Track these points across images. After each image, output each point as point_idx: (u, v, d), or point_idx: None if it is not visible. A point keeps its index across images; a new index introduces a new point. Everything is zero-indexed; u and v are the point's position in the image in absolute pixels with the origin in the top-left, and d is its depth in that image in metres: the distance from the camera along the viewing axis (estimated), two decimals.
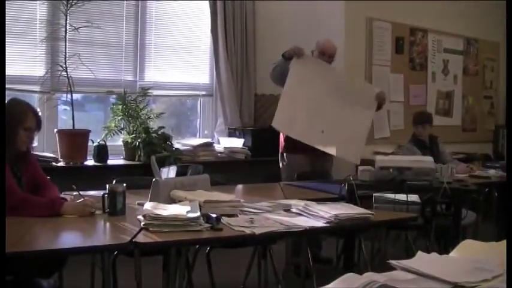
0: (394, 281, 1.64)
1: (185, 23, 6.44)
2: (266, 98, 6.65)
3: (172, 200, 3.18)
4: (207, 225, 2.78)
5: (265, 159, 5.94)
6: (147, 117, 5.71)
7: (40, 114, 3.30)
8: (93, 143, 5.46)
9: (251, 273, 4.27)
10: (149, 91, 5.84)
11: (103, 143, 5.49)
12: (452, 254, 2.02)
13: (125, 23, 6.01)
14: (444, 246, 4.35)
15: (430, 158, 4.29)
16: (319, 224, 3.01)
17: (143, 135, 5.53)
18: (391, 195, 3.81)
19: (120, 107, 5.63)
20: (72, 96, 5.38)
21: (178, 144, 6.02)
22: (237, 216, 3.07)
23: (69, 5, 5.29)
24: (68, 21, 5.35)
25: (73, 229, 2.84)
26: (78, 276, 3.74)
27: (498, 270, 1.74)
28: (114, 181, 3.40)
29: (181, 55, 6.45)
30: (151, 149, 5.34)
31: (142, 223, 2.72)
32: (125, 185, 3.11)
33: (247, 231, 2.79)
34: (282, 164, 5.21)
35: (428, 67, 7.37)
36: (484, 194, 4.95)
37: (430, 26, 7.27)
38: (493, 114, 8.35)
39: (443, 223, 4.32)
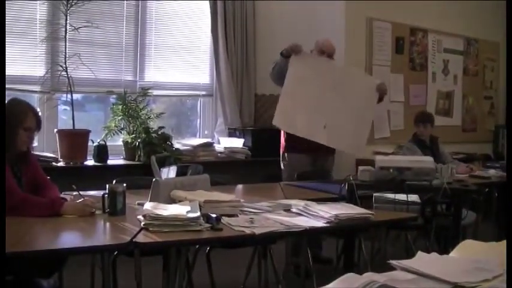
0: (394, 281, 1.64)
1: (185, 23, 6.44)
2: (266, 98, 6.65)
3: (172, 200, 3.18)
4: (207, 225, 2.78)
5: (265, 159, 5.94)
6: (147, 117, 5.71)
7: (40, 114, 3.30)
8: (93, 143, 5.46)
9: (251, 273, 4.27)
10: (149, 91, 5.84)
11: (103, 143, 5.50)
12: (452, 254, 2.02)
13: (125, 23, 6.01)
14: (444, 246, 4.34)
15: (430, 158, 4.29)
16: (319, 224, 3.01)
17: (143, 135, 5.53)
18: (391, 195, 3.81)
19: (120, 107, 5.63)
20: (72, 96, 5.38)
21: (178, 144, 6.02)
22: (237, 216, 3.07)
23: (69, 5, 5.29)
24: (68, 21, 5.35)
25: (73, 229, 2.84)
26: (78, 276, 3.74)
27: (498, 270, 1.74)
28: (114, 181, 3.41)
29: (182, 55, 6.45)
30: (152, 149, 5.34)
31: (142, 223, 2.72)
32: (125, 185, 3.11)
33: (247, 231, 2.79)
34: (283, 163, 5.21)
35: (429, 67, 7.37)
36: (484, 194, 4.95)
37: (430, 26, 7.28)
38: (493, 115, 8.35)
39: (443, 223, 4.32)
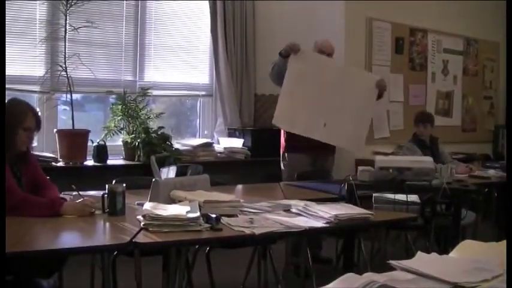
0: (393, 281, 1.64)
1: (185, 23, 6.44)
2: (266, 98, 6.65)
3: (172, 200, 3.18)
4: (207, 225, 2.78)
5: (265, 160, 5.94)
6: (146, 117, 5.71)
7: (40, 114, 3.30)
8: (92, 143, 5.46)
9: (251, 273, 4.27)
10: (149, 91, 5.84)
11: (103, 143, 5.49)
12: (452, 254, 2.02)
13: (124, 23, 6.01)
14: (444, 247, 4.34)
15: (429, 158, 4.29)
16: (319, 224, 3.01)
17: (143, 135, 5.53)
18: (390, 196, 3.81)
19: (119, 107, 5.63)
20: (71, 96, 5.38)
21: (178, 144, 6.02)
22: (237, 216, 3.07)
23: (68, 5, 5.29)
24: (67, 21, 5.35)
25: (73, 229, 2.84)
26: (78, 276, 3.74)
27: (498, 270, 1.74)
28: (113, 181, 3.41)
29: (181, 55, 6.45)
30: (151, 149, 5.33)
31: (142, 223, 2.73)
32: (124, 185, 3.11)
33: (247, 231, 2.79)
34: (283, 163, 5.21)
35: (428, 67, 7.37)
36: (484, 194, 4.96)
37: (430, 26, 7.28)
38: (492, 115, 8.35)
39: (443, 223, 4.32)
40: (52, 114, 5.59)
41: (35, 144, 4.64)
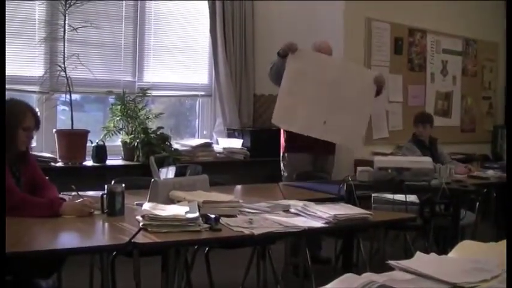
0: (392, 281, 1.64)
1: (184, 23, 6.44)
2: (265, 99, 6.65)
3: (171, 201, 3.18)
4: (206, 225, 2.78)
5: (264, 160, 5.95)
6: (145, 117, 5.71)
7: (39, 114, 3.30)
8: (91, 143, 5.46)
9: (250, 273, 4.27)
10: (148, 91, 5.83)
11: (102, 143, 5.49)
12: (451, 254, 2.02)
13: (123, 23, 6.00)
14: (443, 247, 4.35)
15: (428, 159, 4.29)
16: (318, 224, 3.01)
17: (142, 135, 5.53)
18: (389, 196, 3.82)
19: (119, 107, 5.63)
20: (71, 96, 5.38)
21: (177, 144, 6.02)
22: (236, 216, 3.07)
23: (67, 5, 5.29)
24: (66, 22, 5.35)
25: (72, 229, 2.84)
26: (76, 277, 3.73)
27: (497, 270, 1.74)
28: (112, 181, 3.41)
29: (180, 55, 6.45)
30: (150, 150, 5.33)
31: (141, 223, 2.73)
32: (123, 185, 3.11)
33: (246, 231, 2.79)
34: (283, 163, 5.21)
35: (427, 68, 7.37)
36: (483, 194, 4.95)
37: (429, 26, 7.28)
38: (491, 115, 8.36)
39: (442, 223, 4.33)
40: (51, 115, 5.59)
41: (34, 144, 4.64)
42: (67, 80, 5.32)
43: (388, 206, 3.73)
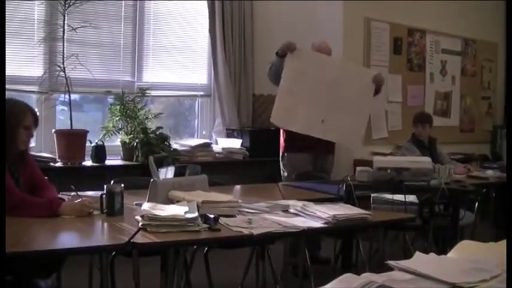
0: (392, 281, 1.64)
1: (183, 23, 6.44)
2: (264, 99, 6.65)
3: (170, 201, 3.18)
4: (205, 225, 2.78)
5: (263, 160, 5.95)
6: (145, 117, 5.70)
7: (38, 113, 3.31)
8: (91, 143, 5.45)
9: (249, 273, 4.27)
10: (147, 91, 5.83)
11: (101, 143, 5.49)
12: (450, 254, 2.02)
13: (123, 23, 6.00)
14: (442, 247, 4.35)
15: (428, 159, 4.28)
16: (317, 224, 3.01)
17: (141, 135, 5.53)
18: (389, 196, 3.81)
19: (118, 107, 5.63)
20: (70, 96, 5.38)
21: (176, 144, 6.01)
22: (235, 216, 3.07)
23: (67, 5, 5.29)
24: (65, 22, 5.34)
25: (71, 229, 2.84)
26: (76, 277, 3.73)
27: (496, 270, 1.74)
28: (112, 181, 3.41)
29: (179, 55, 6.45)
30: (149, 150, 5.33)
31: (140, 223, 2.73)
32: (122, 185, 3.11)
33: (245, 231, 2.79)
34: (283, 163, 5.20)
35: (426, 68, 7.38)
36: (482, 194, 4.95)
37: (428, 26, 7.28)
38: (490, 115, 8.36)
39: (441, 224, 4.33)
40: (50, 115, 5.59)
41: (33, 144, 4.63)
42: (66, 80, 5.32)
43: (387, 206, 3.73)
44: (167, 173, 3.51)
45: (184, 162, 5.27)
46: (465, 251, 2.02)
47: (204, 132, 6.72)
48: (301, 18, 6.48)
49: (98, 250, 2.89)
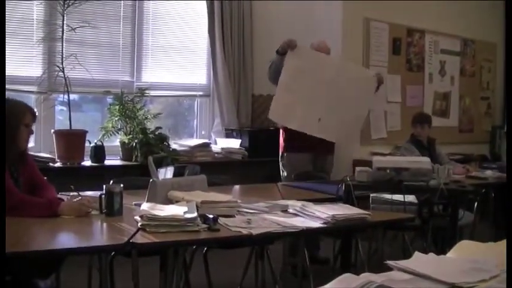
0: (391, 281, 1.64)
1: (182, 23, 6.44)
2: (263, 99, 6.65)
3: (169, 201, 3.17)
4: (204, 225, 2.78)
5: (263, 160, 5.95)
6: (144, 117, 5.70)
7: (37, 114, 3.31)
8: (90, 143, 5.45)
9: (248, 273, 4.27)
10: (146, 91, 5.83)
11: (100, 143, 5.49)
12: (449, 254, 2.02)
13: (122, 23, 6.00)
14: (441, 247, 4.35)
15: (427, 159, 4.29)
16: (316, 224, 3.01)
17: (140, 135, 5.53)
18: (388, 196, 3.82)
19: (117, 107, 5.62)
20: (69, 96, 5.38)
21: (175, 144, 6.01)
22: (234, 216, 3.07)
23: (66, 5, 5.29)
24: (64, 22, 5.35)
25: (70, 230, 2.84)
26: (75, 277, 3.73)
27: (495, 270, 1.74)
28: (111, 182, 3.40)
29: (178, 55, 6.45)
30: (149, 150, 5.34)
31: (139, 224, 2.73)
32: (122, 185, 3.11)
33: (245, 231, 2.79)
34: (282, 163, 5.20)
35: (425, 68, 7.38)
36: (481, 194, 4.96)
37: (427, 26, 7.28)
38: (489, 115, 8.36)
39: (440, 224, 4.33)
40: (49, 115, 5.59)
41: (32, 144, 4.63)
42: (65, 80, 5.32)
43: (387, 206, 3.73)
44: (166, 173, 3.51)
45: (184, 163, 5.27)
46: (464, 251, 2.02)
47: (203, 133, 6.72)
48: (301, 18, 6.48)
49: (97, 250, 2.89)
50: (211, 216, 2.85)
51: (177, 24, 6.41)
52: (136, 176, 4.45)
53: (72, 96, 5.54)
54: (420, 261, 1.86)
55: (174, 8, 6.35)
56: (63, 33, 5.36)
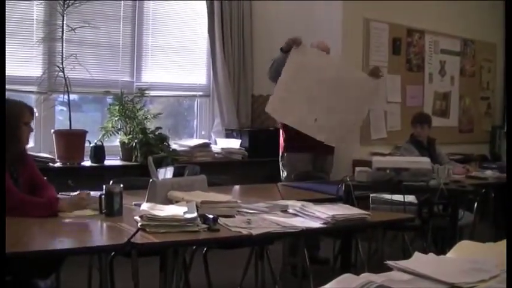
0: (391, 281, 1.64)
1: (182, 23, 6.45)
2: (263, 99, 6.63)
3: (169, 201, 3.17)
4: (204, 226, 2.78)
5: (262, 160, 5.95)
6: (144, 117, 5.70)
7: (36, 114, 3.32)
8: (90, 143, 5.45)
9: (248, 273, 4.27)
10: (146, 92, 5.83)
11: (100, 143, 5.49)
12: (449, 254, 2.02)
13: (121, 23, 6.01)
14: (441, 247, 4.35)
15: (427, 159, 4.29)
16: (316, 224, 3.01)
17: (140, 135, 5.53)
18: (388, 196, 3.82)
19: (117, 107, 5.62)
20: (69, 96, 5.38)
21: (175, 144, 6.01)
22: (234, 217, 3.07)
23: (66, 6, 5.29)
24: (64, 22, 5.35)
25: (70, 230, 2.84)
26: (75, 277, 3.73)
27: (495, 270, 1.74)
28: (111, 182, 3.40)
29: (178, 56, 6.46)
30: (148, 150, 5.34)
31: (139, 224, 2.73)
32: (121, 185, 3.11)
33: (244, 231, 2.79)
34: (282, 163, 5.20)
35: (425, 68, 7.37)
36: (481, 194, 4.95)
37: (427, 27, 7.28)
38: (489, 115, 8.36)
39: (440, 224, 4.33)
40: (49, 115, 5.59)
41: (32, 144, 4.63)
42: (65, 80, 5.32)
43: (386, 207, 3.73)
44: (166, 173, 3.51)
45: (183, 163, 5.27)
46: (464, 251, 2.02)
47: (203, 133, 6.72)
48: (300, 19, 6.48)
49: (97, 250, 2.89)
50: (211, 216, 2.85)
51: (177, 24, 6.41)
52: (136, 176, 4.45)
53: (72, 97, 5.54)
54: (420, 261, 1.86)
55: (174, 8, 6.35)
56: (63, 34, 5.36)
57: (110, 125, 5.64)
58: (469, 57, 7.97)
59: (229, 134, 6.51)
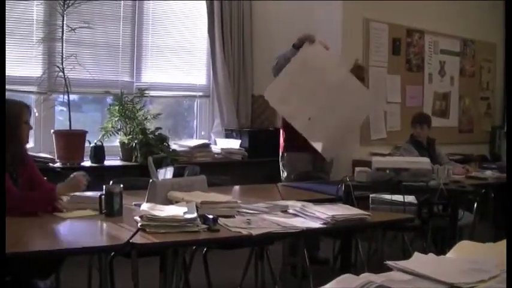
0: (390, 281, 1.64)
1: (182, 23, 6.44)
2: (263, 99, 6.57)
3: (169, 201, 3.18)
4: (204, 226, 2.78)
5: (262, 160, 5.95)
6: (144, 118, 5.70)
7: (36, 114, 3.33)
8: (89, 143, 5.45)
9: (248, 274, 4.27)
10: (146, 92, 5.83)
11: (100, 143, 5.49)
12: (449, 254, 2.02)
13: (121, 23, 6.00)
14: (441, 247, 4.35)
15: (426, 159, 4.29)
16: (316, 224, 3.02)
17: (140, 136, 5.52)
18: (387, 196, 3.82)
19: (117, 107, 5.62)
20: (69, 97, 5.38)
21: (175, 145, 6.01)
22: (234, 217, 3.08)
23: (66, 6, 5.29)
24: (64, 22, 5.34)
25: (70, 230, 2.84)
26: (75, 277, 3.73)
27: (495, 271, 1.75)
28: (111, 182, 3.40)
29: (178, 56, 6.45)
30: (148, 150, 5.33)
31: (139, 224, 2.73)
32: (121, 186, 3.11)
33: (244, 232, 2.79)
34: (282, 163, 5.20)
35: (425, 68, 7.38)
36: (481, 195, 4.96)
37: (427, 27, 7.28)
38: (489, 115, 8.36)
39: (440, 224, 4.33)
40: (49, 115, 5.58)
41: (31, 145, 4.63)
42: (65, 80, 5.32)
43: (386, 207, 3.73)
44: (166, 173, 3.51)
45: (183, 163, 5.26)
46: (464, 251, 2.03)
47: (203, 133, 6.72)
48: (300, 19, 6.47)
49: (97, 251, 2.89)
50: (211, 216, 2.85)
51: (177, 25, 6.40)
52: (136, 176, 4.45)
53: (72, 97, 5.54)
54: (420, 261, 1.86)
55: (174, 8, 6.35)
56: (63, 34, 5.36)
57: (110, 125, 5.64)
58: (468, 58, 7.97)
59: (229, 134, 6.51)
